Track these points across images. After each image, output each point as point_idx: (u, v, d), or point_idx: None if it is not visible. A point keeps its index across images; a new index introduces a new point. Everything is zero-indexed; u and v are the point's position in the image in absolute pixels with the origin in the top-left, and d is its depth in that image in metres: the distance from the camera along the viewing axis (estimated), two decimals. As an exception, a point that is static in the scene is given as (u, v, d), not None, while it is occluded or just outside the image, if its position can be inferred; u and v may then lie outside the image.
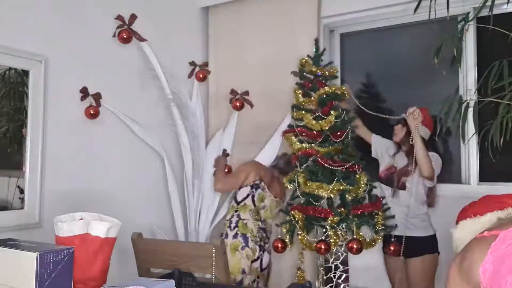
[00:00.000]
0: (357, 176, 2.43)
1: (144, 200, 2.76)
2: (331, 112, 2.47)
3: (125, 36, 2.55)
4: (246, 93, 2.97)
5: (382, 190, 2.61)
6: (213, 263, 1.86)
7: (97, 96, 2.47)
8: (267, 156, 2.87)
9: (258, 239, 2.61)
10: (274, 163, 2.87)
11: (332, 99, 2.51)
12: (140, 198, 2.73)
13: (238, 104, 2.95)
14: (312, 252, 2.52)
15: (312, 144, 2.49)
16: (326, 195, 2.39)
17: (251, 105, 2.96)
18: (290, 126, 2.69)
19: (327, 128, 2.47)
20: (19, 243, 1.13)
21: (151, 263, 1.97)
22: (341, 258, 2.56)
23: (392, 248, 2.42)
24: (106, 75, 2.57)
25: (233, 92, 2.97)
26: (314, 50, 2.67)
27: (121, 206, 2.46)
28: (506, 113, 2.03)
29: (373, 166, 2.68)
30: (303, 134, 2.53)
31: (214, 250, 1.86)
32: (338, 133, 2.48)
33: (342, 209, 2.34)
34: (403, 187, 2.52)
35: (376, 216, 2.40)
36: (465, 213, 1.79)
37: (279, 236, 2.52)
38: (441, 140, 2.73)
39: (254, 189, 2.68)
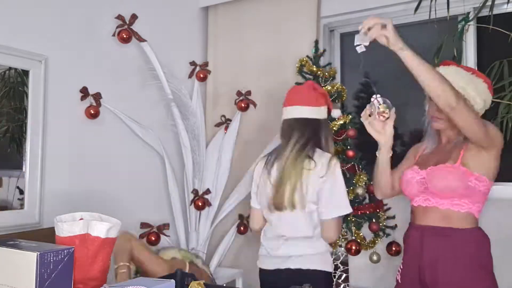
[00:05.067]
0: (357, 176, 2.43)
1: (144, 200, 2.76)
2: (336, 118, 2.47)
3: (125, 36, 2.55)
4: (249, 93, 2.96)
5: None
6: None
7: (97, 96, 2.47)
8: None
9: None
10: None
11: (333, 98, 2.52)
12: (140, 198, 2.73)
13: (243, 105, 2.95)
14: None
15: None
16: None
17: (255, 105, 2.95)
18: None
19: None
20: (19, 243, 1.13)
21: None
22: (341, 258, 2.56)
23: (394, 248, 2.41)
24: (106, 75, 2.57)
25: (239, 93, 2.97)
26: (313, 51, 2.67)
27: (121, 206, 2.47)
28: (506, 113, 2.03)
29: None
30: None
31: None
32: (339, 134, 2.49)
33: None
34: None
35: (377, 217, 2.40)
36: None
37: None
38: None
39: None
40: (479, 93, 1.67)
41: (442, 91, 1.49)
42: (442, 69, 1.70)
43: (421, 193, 1.71)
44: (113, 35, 2.55)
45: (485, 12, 2.12)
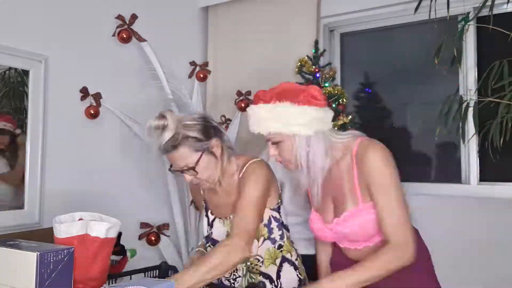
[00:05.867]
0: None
1: (144, 199, 2.76)
2: (339, 118, 2.46)
3: (125, 36, 2.55)
4: (249, 93, 2.97)
5: None
6: None
7: (97, 96, 2.47)
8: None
9: None
10: None
11: (333, 100, 2.51)
12: (140, 198, 2.73)
13: (243, 105, 2.95)
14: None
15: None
16: None
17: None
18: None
19: None
20: (19, 243, 1.13)
21: None
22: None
23: None
24: (106, 75, 2.57)
25: (239, 93, 2.97)
26: (313, 50, 2.67)
27: (121, 206, 2.47)
28: (506, 113, 2.03)
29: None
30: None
31: None
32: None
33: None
34: None
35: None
36: None
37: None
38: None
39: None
40: (298, 123, 1.44)
41: (387, 271, 1.39)
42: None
43: None
44: (113, 35, 2.55)
45: (485, 12, 2.12)
